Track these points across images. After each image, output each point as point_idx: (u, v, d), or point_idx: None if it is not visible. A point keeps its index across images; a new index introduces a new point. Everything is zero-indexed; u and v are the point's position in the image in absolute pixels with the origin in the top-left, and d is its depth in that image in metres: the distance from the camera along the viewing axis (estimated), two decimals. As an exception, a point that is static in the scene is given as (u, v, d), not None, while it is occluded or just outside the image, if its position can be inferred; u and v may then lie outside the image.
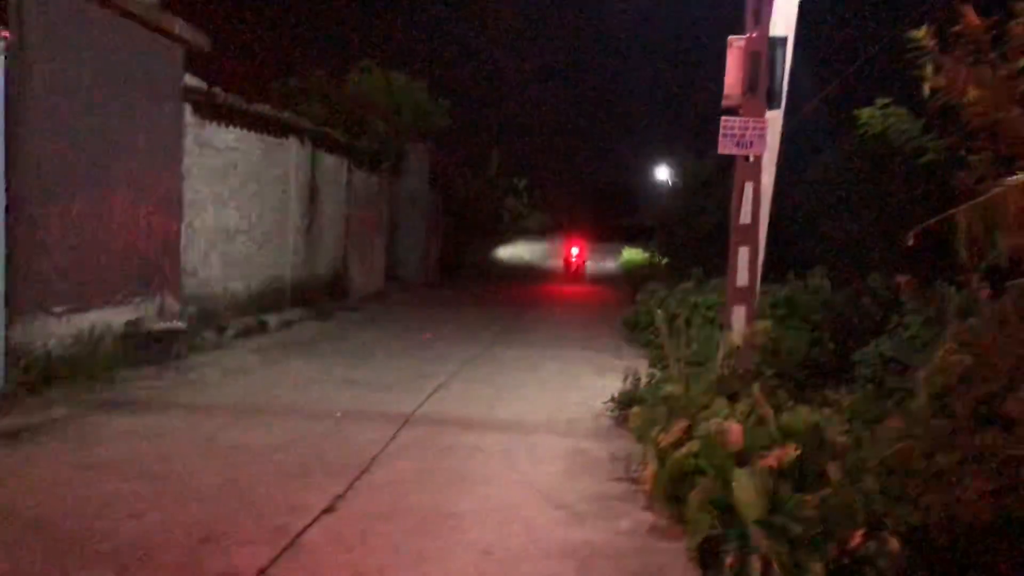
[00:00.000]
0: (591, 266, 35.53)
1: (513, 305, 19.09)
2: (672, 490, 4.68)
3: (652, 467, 4.96)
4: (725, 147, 6.88)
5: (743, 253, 6.97)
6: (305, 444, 5.92)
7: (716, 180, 17.88)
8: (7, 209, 6.82)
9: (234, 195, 11.39)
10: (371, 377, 8.62)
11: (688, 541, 4.18)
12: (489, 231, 38.23)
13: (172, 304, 9.79)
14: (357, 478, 5.16)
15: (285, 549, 3.99)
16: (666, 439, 4.92)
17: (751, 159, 6.87)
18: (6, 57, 6.77)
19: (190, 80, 10.06)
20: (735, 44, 6.99)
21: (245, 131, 11.59)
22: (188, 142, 10.07)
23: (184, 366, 8.71)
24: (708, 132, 7.66)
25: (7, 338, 6.90)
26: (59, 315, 7.76)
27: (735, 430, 4.59)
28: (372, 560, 3.93)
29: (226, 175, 11.14)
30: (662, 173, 57.87)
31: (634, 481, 5.32)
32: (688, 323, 10.70)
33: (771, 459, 4.43)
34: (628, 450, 6.08)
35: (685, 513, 4.45)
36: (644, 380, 7.57)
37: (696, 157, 19.02)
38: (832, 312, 9.02)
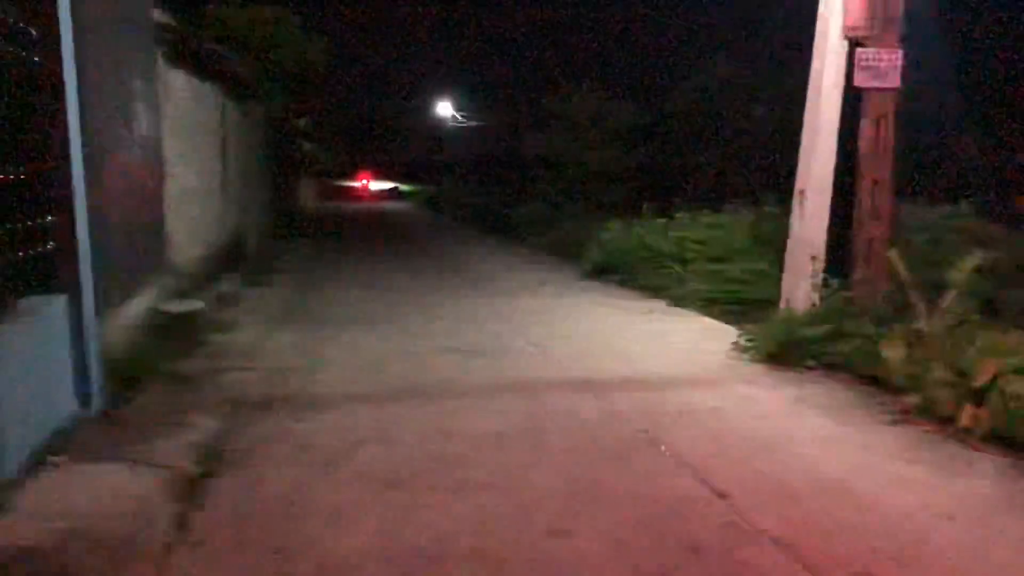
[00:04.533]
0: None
1: (402, 244, 18.46)
2: (1011, 430, 4.76)
3: (968, 408, 5.00)
4: (863, 80, 6.95)
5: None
6: (550, 424, 5.37)
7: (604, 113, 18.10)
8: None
9: (188, 152, 9.89)
10: (459, 343, 7.92)
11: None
12: (291, 175, 36.33)
13: (169, 280, 8.41)
14: (697, 470, 4.60)
15: None
16: (982, 379, 4.96)
17: (884, 91, 6.99)
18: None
19: (158, 15, 8.51)
20: (865, -29, 6.99)
21: (188, 76, 10.03)
22: (160, 91, 8.55)
23: (225, 350, 7.53)
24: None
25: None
26: (118, 304, 6.42)
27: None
28: None
29: (181, 129, 9.61)
30: (444, 109, 58.07)
31: (910, 422, 5.35)
32: (684, 262, 10.89)
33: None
34: (833, 393, 6.12)
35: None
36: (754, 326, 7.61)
37: (579, 87, 18.86)
38: None
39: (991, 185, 11.44)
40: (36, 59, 5.03)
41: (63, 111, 5.17)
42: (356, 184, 65.30)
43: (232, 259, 12.86)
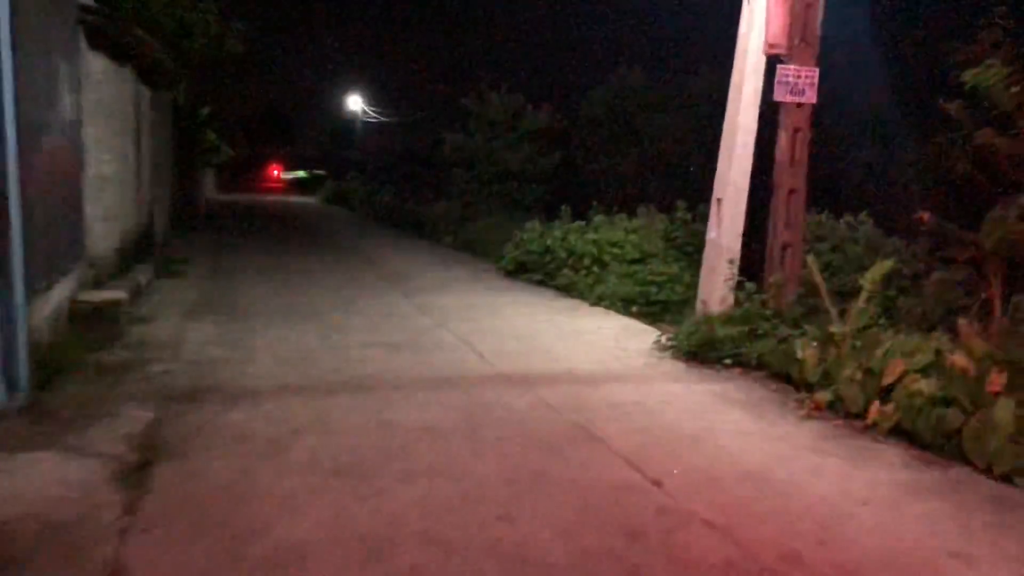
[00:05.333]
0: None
1: (315, 239, 18.28)
2: (914, 424, 5.15)
3: (876, 405, 5.38)
4: (780, 95, 7.33)
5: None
6: (485, 417, 5.53)
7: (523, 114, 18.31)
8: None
9: (106, 138, 9.64)
10: (387, 338, 7.99)
11: (998, 471, 4.67)
12: (197, 165, 35.42)
13: (87, 270, 8.21)
14: (630, 460, 4.86)
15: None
16: (890, 378, 5.35)
17: (801, 106, 7.39)
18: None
19: (80, -3, 8.29)
20: (782, -8, 7.37)
21: (108, 59, 9.77)
22: (82, 75, 8.33)
23: (148, 340, 7.44)
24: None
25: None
26: (43, 291, 6.27)
27: (970, 364, 5.17)
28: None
29: (99, 114, 9.37)
30: (355, 104, 57.43)
31: (822, 417, 5.72)
32: (602, 263, 11.21)
33: (996, 385, 5.08)
34: (751, 390, 6.46)
35: (930, 443, 5.01)
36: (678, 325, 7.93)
37: (498, 89, 18.97)
38: None
39: (892, 198, 12.12)
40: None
41: (-2, 91, 5.06)
42: (267, 174, 68.93)
43: (144, 250, 12.56)
